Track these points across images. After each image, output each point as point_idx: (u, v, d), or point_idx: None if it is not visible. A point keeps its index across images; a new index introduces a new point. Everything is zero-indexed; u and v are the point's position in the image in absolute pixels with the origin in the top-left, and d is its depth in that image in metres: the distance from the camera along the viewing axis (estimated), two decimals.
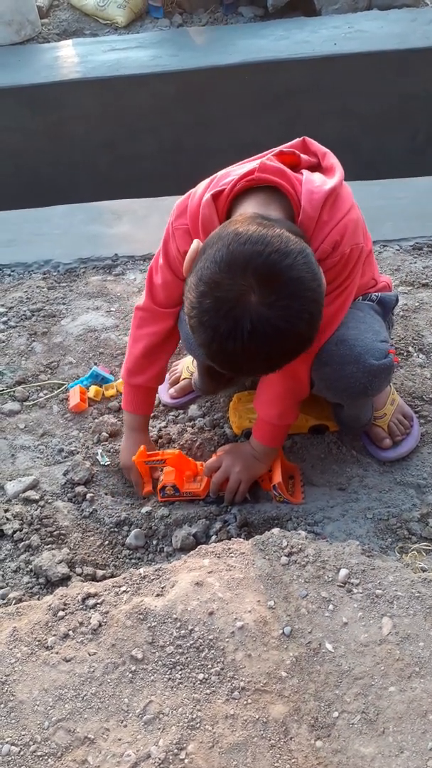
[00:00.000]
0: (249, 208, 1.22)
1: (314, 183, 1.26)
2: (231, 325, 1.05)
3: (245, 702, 1.07)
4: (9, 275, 2.32)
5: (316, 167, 1.36)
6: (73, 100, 3.49)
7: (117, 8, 4.05)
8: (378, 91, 3.58)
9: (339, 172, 1.32)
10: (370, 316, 1.51)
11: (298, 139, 1.40)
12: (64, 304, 2.18)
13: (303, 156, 1.35)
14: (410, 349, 1.91)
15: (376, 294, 1.56)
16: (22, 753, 1.03)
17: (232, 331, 1.06)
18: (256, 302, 1.04)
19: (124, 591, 1.24)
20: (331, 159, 1.36)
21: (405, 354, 1.90)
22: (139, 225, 2.54)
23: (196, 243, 1.19)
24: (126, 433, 1.69)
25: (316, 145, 1.40)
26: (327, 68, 3.53)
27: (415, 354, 1.90)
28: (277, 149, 1.36)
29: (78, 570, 1.45)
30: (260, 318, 1.05)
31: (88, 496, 1.60)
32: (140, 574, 1.27)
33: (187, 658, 1.12)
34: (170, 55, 3.62)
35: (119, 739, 1.04)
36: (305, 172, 1.29)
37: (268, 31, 3.81)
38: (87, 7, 4.12)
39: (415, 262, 2.26)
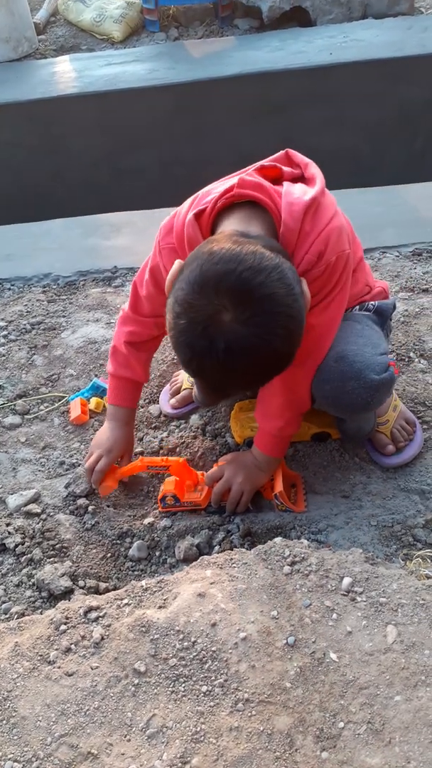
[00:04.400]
0: (230, 225, 1.23)
1: (293, 195, 1.26)
2: (206, 344, 1.06)
3: (249, 714, 1.05)
4: (9, 289, 2.33)
5: (300, 179, 1.36)
6: (71, 114, 3.51)
7: (113, 23, 4.08)
8: (375, 99, 3.59)
9: (320, 180, 1.32)
10: (369, 328, 1.50)
11: (281, 152, 1.41)
12: (64, 316, 2.18)
13: (286, 168, 1.35)
14: (411, 354, 1.91)
15: (373, 303, 1.56)
16: None
17: (208, 349, 1.06)
18: (229, 320, 1.05)
19: (126, 603, 1.23)
20: (312, 169, 1.36)
21: (407, 360, 1.89)
22: (138, 237, 2.55)
23: (177, 263, 1.18)
24: (106, 422, 1.67)
25: (299, 156, 1.40)
26: (323, 77, 3.55)
27: (417, 359, 1.89)
28: (258, 164, 1.36)
29: (81, 583, 1.45)
30: (234, 336, 1.05)
31: (90, 508, 1.60)
32: (142, 586, 1.26)
33: (190, 670, 1.11)
34: (167, 68, 3.65)
35: (123, 754, 1.03)
36: (286, 184, 1.29)
37: (264, 43, 3.83)
38: (83, 22, 4.15)
39: (415, 268, 2.26)
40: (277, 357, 1.12)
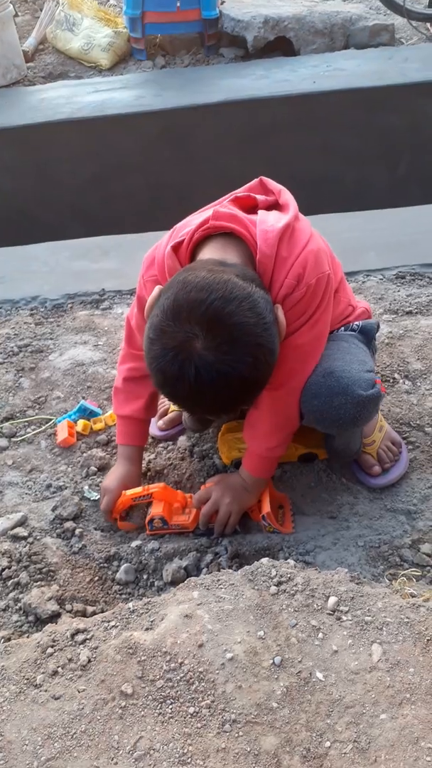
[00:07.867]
0: (207, 254, 1.27)
1: (268, 222, 1.30)
2: (177, 370, 1.11)
3: (236, 735, 1.05)
4: None
5: (275, 205, 1.40)
6: (60, 139, 3.56)
7: (101, 51, 4.15)
8: (358, 126, 3.67)
9: (293, 206, 1.36)
10: (355, 346, 1.53)
11: (255, 180, 1.45)
12: (51, 339, 2.19)
13: (260, 197, 1.39)
14: (396, 375, 1.94)
15: (357, 323, 1.59)
16: None
17: (178, 375, 1.11)
18: (199, 348, 1.10)
19: (113, 626, 1.23)
20: (285, 195, 1.40)
21: (391, 381, 1.92)
22: (126, 260, 2.58)
23: (157, 289, 1.22)
24: (117, 461, 1.70)
25: (272, 183, 1.44)
26: (307, 105, 3.62)
27: (401, 381, 1.92)
28: (232, 194, 1.40)
29: (68, 607, 1.44)
30: (203, 363, 1.10)
31: (77, 531, 1.60)
32: (129, 608, 1.26)
33: (177, 691, 1.11)
34: (154, 95, 3.71)
35: None
36: (260, 212, 1.33)
37: (249, 71, 3.91)
38: (72, 50, 4.22)
39: (399, 291, 2.29)
40: (246, 384, 1.15)
